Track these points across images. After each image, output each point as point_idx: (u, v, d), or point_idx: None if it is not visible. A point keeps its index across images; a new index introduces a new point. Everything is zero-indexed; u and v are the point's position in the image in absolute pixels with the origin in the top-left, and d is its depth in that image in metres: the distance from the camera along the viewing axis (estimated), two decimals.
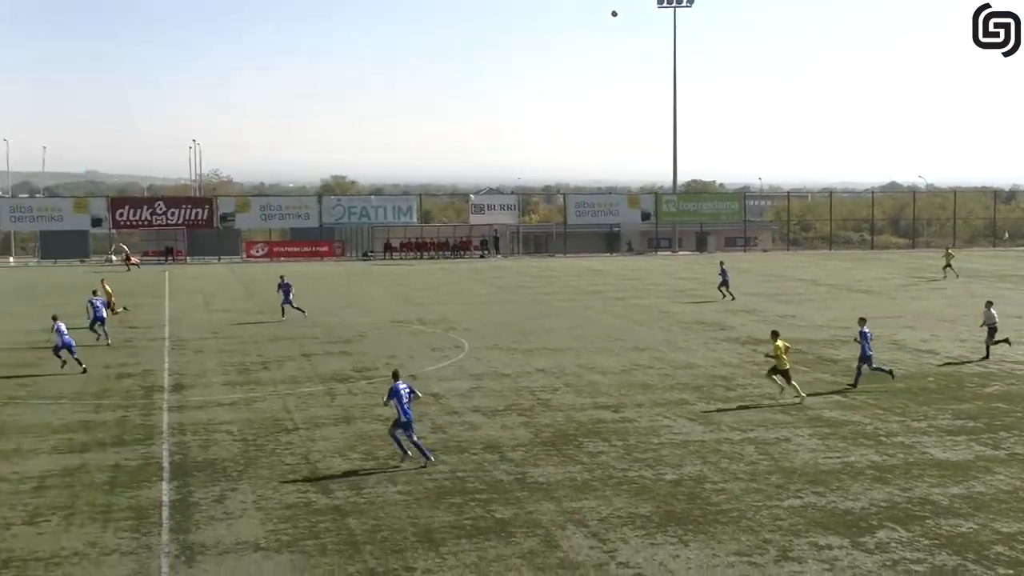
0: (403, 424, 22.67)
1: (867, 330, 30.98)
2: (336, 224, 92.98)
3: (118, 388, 31.59)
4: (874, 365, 31.20)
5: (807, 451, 23.93)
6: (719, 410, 28.12)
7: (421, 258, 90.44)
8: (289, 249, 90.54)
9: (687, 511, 19.53)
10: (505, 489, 21.01)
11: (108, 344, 39.49)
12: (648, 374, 33.58)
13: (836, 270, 73.97)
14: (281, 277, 49.63)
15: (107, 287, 47.40)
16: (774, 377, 29.46)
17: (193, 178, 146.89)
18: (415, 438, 22.89)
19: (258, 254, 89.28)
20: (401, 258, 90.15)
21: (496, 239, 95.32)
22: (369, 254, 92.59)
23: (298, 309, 47.53)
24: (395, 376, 23.35)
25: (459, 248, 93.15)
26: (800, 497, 20.38)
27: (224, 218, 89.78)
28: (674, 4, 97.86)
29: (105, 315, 40.60)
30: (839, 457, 23.41)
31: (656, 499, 20.27)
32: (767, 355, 30.57)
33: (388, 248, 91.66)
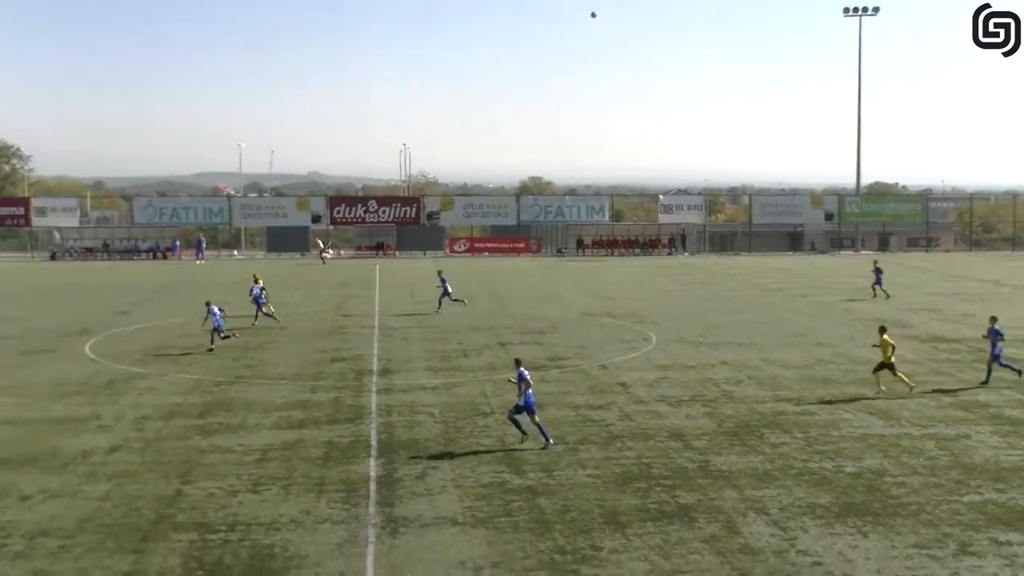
0: (518, 407, 22.97)
1: (998, 328, 29.69)
2: (532, 222, 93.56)
3: (332, 371, 32.49)
4: (1003, 362, 29.82)
5: (988, 448, 22.85)
6: (899, 406, 27.12)
7: (612, 255, 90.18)
8: (488, 245, 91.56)
9: (866, 503, 18.88)
10: (689, 476, 20.73)
11: (251, 326, 40.54)
12: (829, 369, 32.65)
13: (1019, 271, 70.45)
14: (439, 272, 50.03)
15: (259, 281, 47.65)
16: (878, 374, 28.78)
17: (403, 179, 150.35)
18: (513, 415, 23.16)
19: (460, 249, 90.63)
20: (593, 255, 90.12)
21: (683, 237, 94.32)
22: (562, 250, 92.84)
23: (458, 300, 47.73)
24: (518, 363, 23.76)
25: (648, 246, 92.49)
26: (980, 493, 19.46)
27: (430, 216, 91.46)
28: (859, 13, 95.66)
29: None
30: (1021, 455, 22.27)
31: (836, 490, 19.67)
32: (874, 345, 30.25)
33: (580, 245, 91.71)
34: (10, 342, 38.22)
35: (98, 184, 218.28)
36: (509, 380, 25.26)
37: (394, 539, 17.13)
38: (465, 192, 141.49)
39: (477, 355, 35.46)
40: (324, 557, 16.34)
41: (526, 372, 23.27)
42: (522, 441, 23.06)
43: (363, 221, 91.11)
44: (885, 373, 28.73)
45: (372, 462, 21.74)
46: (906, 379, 28.77)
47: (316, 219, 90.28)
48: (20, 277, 68.17)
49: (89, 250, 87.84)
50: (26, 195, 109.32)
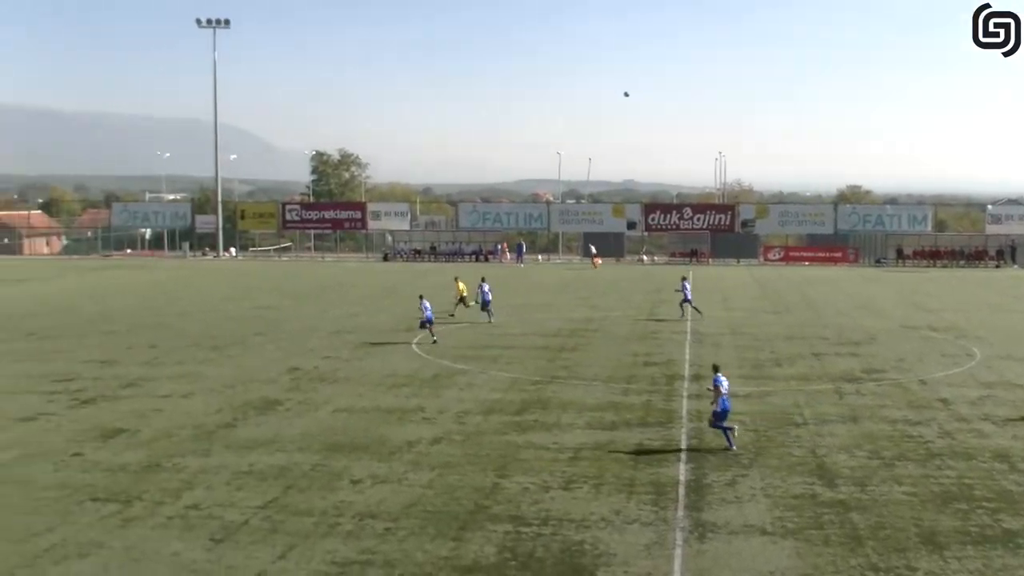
0: (717, 414, 23.09)
1: None
2: (851, 231, 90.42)
3: (644, 375, 32.62)
4: None
5: None
6: None
7: (933, 266, 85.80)
8: (804, 254, 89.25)
9: None
10: (1014, 500, 19.40)
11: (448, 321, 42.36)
12: None
13: None
14: (683, 279, 49.07)
15: (460, 284, 47.33)
16: None
17: (718, 186, 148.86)
18: (719, 424, 23.19)
19: (775, 258, 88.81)
20: (913, 265, 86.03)
21: (1013, 249, 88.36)
22: (881, 260, 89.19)
23: (696, 309, 46.90)
24: (716, 369, 23.92)
25: (973, 257, 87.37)
26: None
27: (744, 224, 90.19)
28: None
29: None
30: None
31: None
32: None
33: (900, 255, 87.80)
34: (348, 337, 40.73)
35: (427, 190, 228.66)
36: (708, 389, 25.03)
37: (702, 544, 17.01)
38: (781, 200, 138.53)
39: (790, 364, 34.64)
40: (632, 557, 16.44)
41: (722, 379, 23.25)
42: (728, 450, 22.80)
43: (677, 228, 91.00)
44: None
45: (681, 466, 21.67)
46: None
47: (631, 225, 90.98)
48: (358, 277, 72.53)
49: (418, 252, 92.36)
50: (363, 200, 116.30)
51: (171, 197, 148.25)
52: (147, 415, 26.48)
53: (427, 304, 39.17)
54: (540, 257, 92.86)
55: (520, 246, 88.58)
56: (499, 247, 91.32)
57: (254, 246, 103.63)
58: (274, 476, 20.82)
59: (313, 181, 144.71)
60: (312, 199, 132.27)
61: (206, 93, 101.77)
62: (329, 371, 33.07)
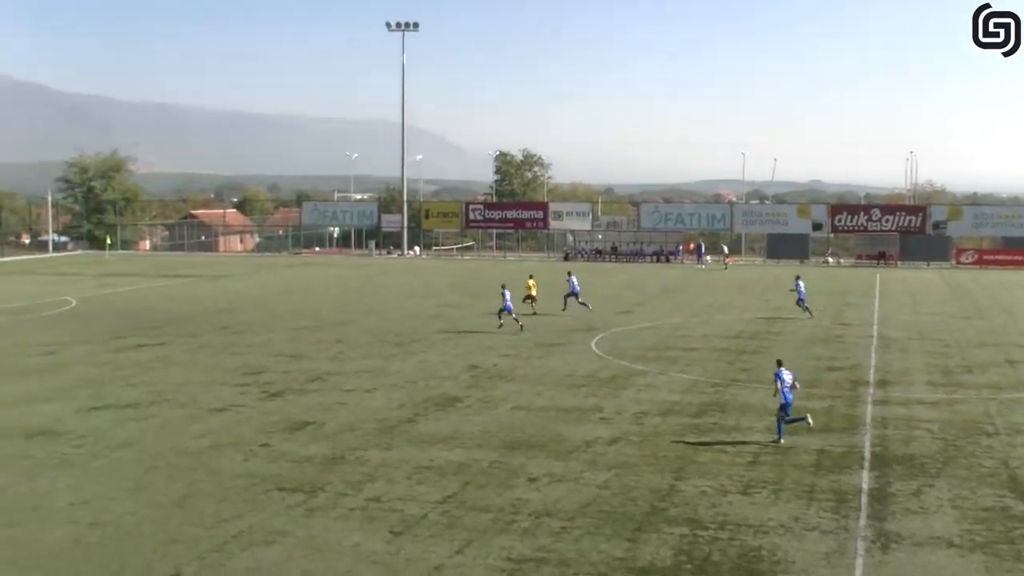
0: (781, 405, 23.63)
1: None
2: None
3: (828, 379, 31.82)
4: None
5: None
6: None
7: None
8: (999, 258, 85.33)
9: None
10: None
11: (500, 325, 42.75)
12: None
13: None
14: (796, 278, 48.29)
15: (531, 282, 48.43)
16: None
17: (908, 187, 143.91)
18: (787, 417, 23.68)
19: (967, 261, 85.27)
20: None
21: None
22: None
23: (807, 310, 46.29)
24: (779, 364, 24.58)
25: None
26: None
27: (936, 225, 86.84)
28: None
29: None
30: None
31: None
32: None
33: None
34: (527, 335, 41.08)
35: (608, 190, 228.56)
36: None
37: (884, 555, 16.48)
38: (975, 201, 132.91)
39: (982, 372, 33.21)
40: (811, 565, 16.06)
41: (783, 372, 23.85)
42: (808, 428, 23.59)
43: (865, 229, 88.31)
44: None
45: (864, 474, 21.06)
46: None
47: (817, 226, 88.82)
48: (537, 276, 72.97)
49: (599, 252, 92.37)
50: (545, 200, 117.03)
51: (359, 196, 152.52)
52: (332, 408, 27.32)
53: (508, 293, 42.60)
54: (710, 258, 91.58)
55: (700, 247, 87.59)
56: (680, 248, 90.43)
57: (437, 245, 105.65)
58: (453, 472, 21.18)
59: (496, 181, 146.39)
60: (495, 199, 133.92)
61: (395, 96, 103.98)
62: (508, 369, 33.43)
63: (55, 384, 30.76)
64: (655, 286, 64.01)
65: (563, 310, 48.21)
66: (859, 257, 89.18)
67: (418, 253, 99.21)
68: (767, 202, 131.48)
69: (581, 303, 48.21)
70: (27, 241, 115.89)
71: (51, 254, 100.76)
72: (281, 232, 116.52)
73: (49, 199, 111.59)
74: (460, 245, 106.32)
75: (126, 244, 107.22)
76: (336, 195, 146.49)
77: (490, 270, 78.93)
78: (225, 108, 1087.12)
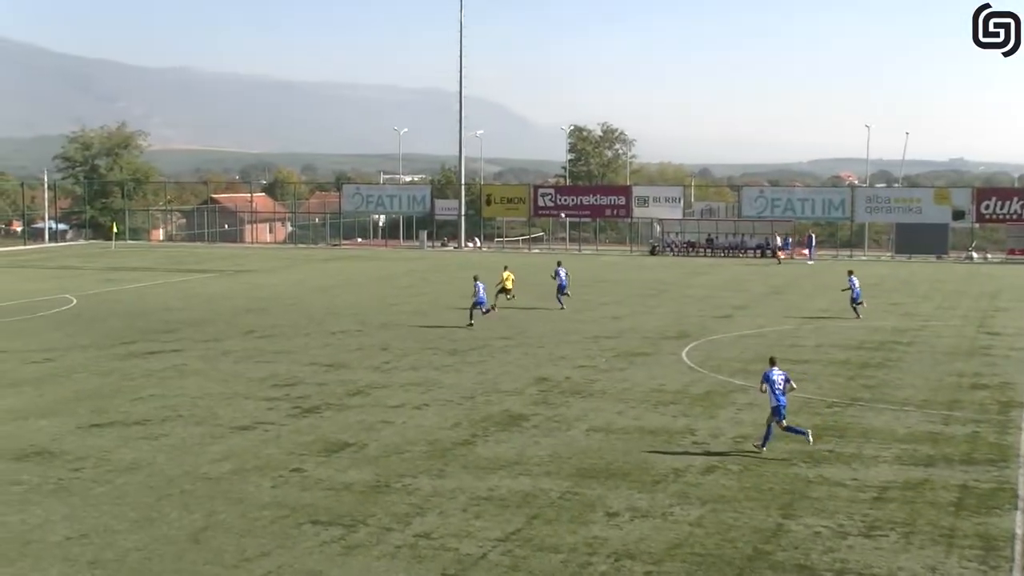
0: (773, 408, 24.93)
1: None
2: None
3: (971, 400, 31.32)
4: None
5: None
6: None
7: None
8: None
9: None
10: None
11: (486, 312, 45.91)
12: None
13: None
14: (849, 273, 49.45)
15: (506, 274, 50.92)
16: None
17: None
18: (785, 424, 25.01)
19: None
20: None
21: None
22: None
23: (856, 308, 47.78)
24: (771, 363, 25.81)
25: None
26: None
27: None
28: None
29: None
30: None
31: None
32: None
33: None
34: (606, 343, 40.95)
35: (704, 172, 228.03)
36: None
37: None
38: None
39: None
40: None
41: (773, 372, 25.14)
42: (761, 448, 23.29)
43: (1019, 219, 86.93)
44: None
45: (1019, 516, 20.67)
46: None
47: (958, 215, 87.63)
48: (620, 272, 72.87)
49: (691, 245, 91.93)
50: (627, 183, 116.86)
51: (408, 179, 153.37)
52: (375, 428, 27.43)
53: (481, 286, 45.61)
54: (840, 253, 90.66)
55: (811, 239, 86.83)
56: (788, 240, 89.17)
57: (500, 236, 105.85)
58: (517, 503, 21.15)
59: (570, 161, 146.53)
60: (568, 182, 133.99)
61: (451, 60, 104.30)
62: (584, 383, 33.36)
63: (52, 397, 31.26)
64: (759, 285, 63.55)
65: (561, 309, 50.50)
66: (1011, 252, 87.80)
67: (477, 245, 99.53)
68: (896, 185, 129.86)
69: (563, 295, 51.60)
70: (19, 229, 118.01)
71: (48, 244, 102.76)
72: (317, 220, 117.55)
73: (46, 180, 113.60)
74: (527, 236, 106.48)
75: (135, 233, 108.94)
76: (382, 177, 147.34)
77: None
78: (252, 74, 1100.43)
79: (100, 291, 59.18)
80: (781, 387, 24.90)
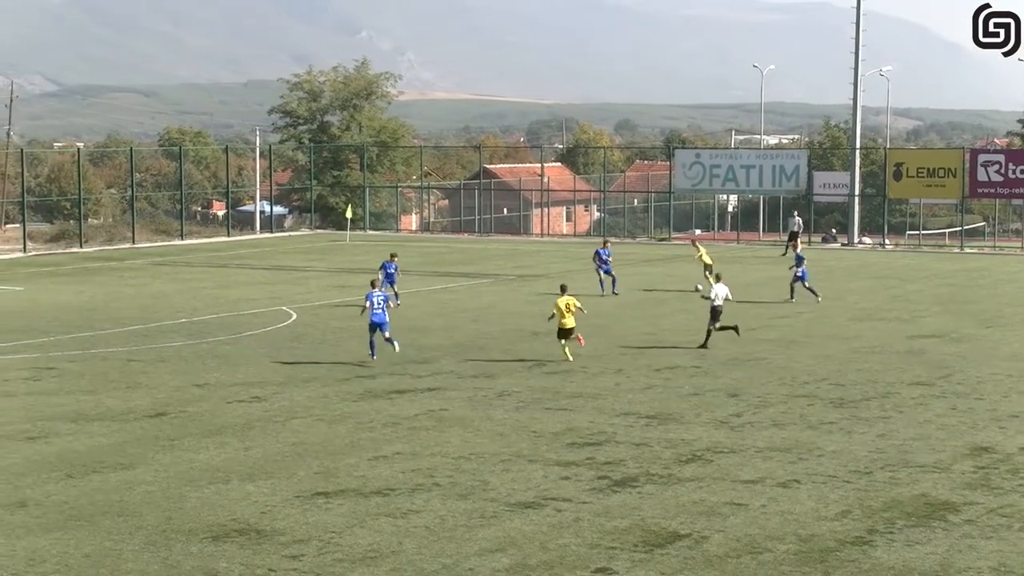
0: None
1: None
2: None
3: None
4: None
5: None
6: None
7: None
8: None
9: None
10: None
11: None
12: None
13: None
14: None
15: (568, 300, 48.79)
16: None
17: None
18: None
19: None
20: None
21: None
22: None
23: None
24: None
25: None
26: None
27: None
28: None
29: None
30: None
31: None
32: None
33: None
34: None
35: None
36: None
37: None
38: None
39: None
40: None
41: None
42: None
43: None
44: None
45: None
46: None
47: None
48: None
49: None
50: None
51: (771, 141, 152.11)
52: (720, 512, 27.17)
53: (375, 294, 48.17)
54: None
55: None
56: None
57: (915, 228, 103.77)
58: None
59: None
60: None
61: None
62: None
63: (261, 451, 32.10)
64: None
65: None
66: None
67: (879, 241, 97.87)
68: None
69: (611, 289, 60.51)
70: (221, 214, 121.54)
71: (259, 235, 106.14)
72: (636, 203, 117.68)
73: (258, 144, 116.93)
74: (958, 227, 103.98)
75: (380, 220, 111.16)
76: (734, 136, 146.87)
77: (1017, 272, 76.88)
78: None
79: (329, 302, 60.83)
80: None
